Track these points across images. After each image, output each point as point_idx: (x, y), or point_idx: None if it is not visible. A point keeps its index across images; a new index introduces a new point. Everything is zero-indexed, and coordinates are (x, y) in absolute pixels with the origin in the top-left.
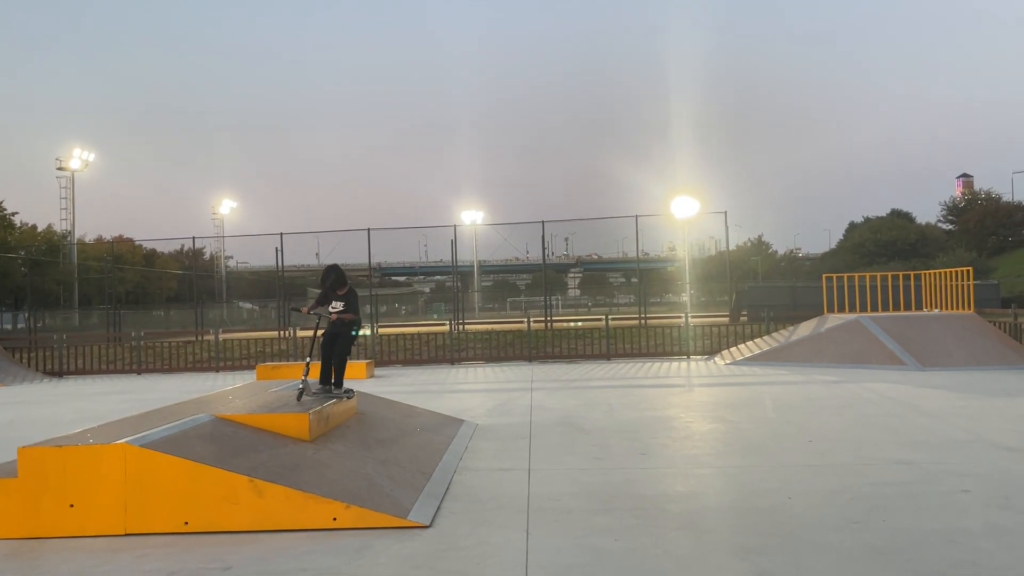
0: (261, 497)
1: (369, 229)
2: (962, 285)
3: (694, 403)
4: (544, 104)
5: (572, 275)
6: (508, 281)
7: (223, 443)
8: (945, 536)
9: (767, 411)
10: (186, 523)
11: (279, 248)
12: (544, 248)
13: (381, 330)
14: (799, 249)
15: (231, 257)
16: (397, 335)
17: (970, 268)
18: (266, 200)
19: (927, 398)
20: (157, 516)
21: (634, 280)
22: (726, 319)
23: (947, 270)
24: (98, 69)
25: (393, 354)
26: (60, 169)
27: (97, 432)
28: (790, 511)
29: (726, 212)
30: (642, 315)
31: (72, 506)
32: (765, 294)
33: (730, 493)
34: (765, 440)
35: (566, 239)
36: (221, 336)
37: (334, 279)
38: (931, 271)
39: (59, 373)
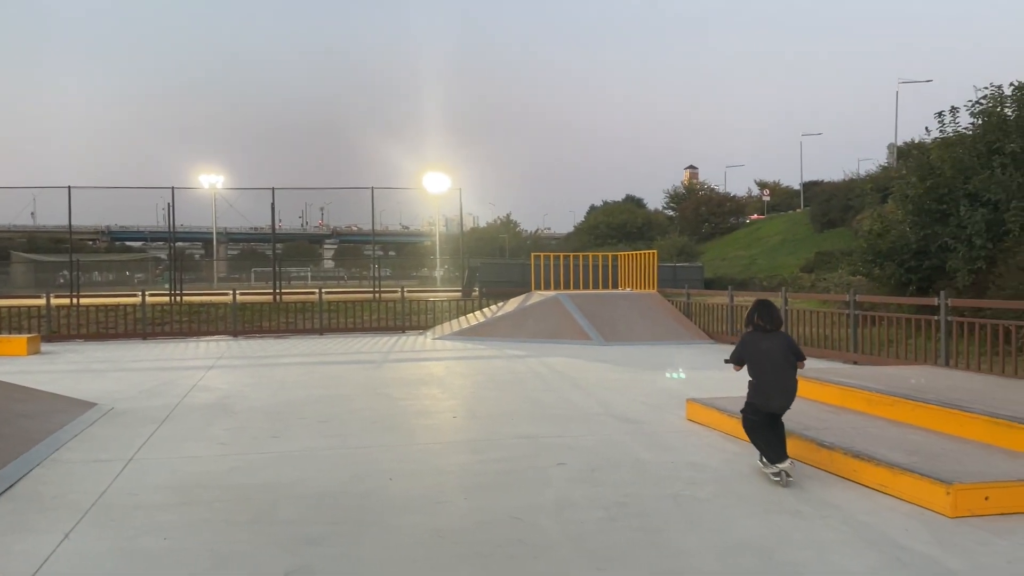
0: None
1: (70, 188)
2: (647, 266)
3: (371, 380)
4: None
5: (327, 246)
6: (257, 250)
7: None
8: (515, 513)
9: (432, 388)
10: None
11: None
12: (273, 215)
13: (55, 300)
14: (548, 228)
15: None
16: (88, 306)
17: (654, 252)
18: None
19: (589, 371)
20: None
21: (392, 253)
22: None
23: (636, 252)
24: None
25: (83, 327)
26: None
27: None
28: (382, 494)
29: (460, 189)
30: (376, 289)
31: None
32: (497, 271)
33: (330, 478)
34: (408, 418)
35: (321, 209)
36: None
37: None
38: (623, 253)
39: None
